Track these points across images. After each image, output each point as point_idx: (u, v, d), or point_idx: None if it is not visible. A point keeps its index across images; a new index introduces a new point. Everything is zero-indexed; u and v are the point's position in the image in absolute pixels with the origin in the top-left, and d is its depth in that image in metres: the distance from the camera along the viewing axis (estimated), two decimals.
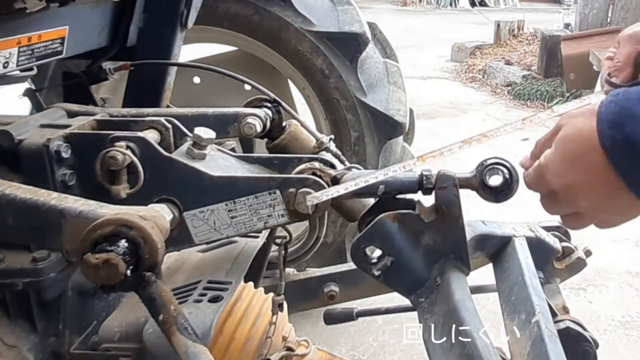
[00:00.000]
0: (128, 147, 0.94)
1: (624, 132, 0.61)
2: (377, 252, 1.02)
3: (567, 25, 8.49)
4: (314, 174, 0.97)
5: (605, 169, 0.64)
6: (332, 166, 1.04)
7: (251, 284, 1.28)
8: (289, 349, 1.17)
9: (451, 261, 1.01)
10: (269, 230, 1.29)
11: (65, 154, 0.95)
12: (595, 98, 0.75)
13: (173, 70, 1.67)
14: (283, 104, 1.33)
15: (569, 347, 1.00)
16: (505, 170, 0.90)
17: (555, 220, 1.42)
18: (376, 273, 1.01)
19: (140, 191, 0.93)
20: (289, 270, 1.53)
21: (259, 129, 1.21)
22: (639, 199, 0.64)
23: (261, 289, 1.30)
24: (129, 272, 0.69)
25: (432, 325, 0.99)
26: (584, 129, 0.66)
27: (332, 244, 2.32)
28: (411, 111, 2.41)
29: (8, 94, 1.66)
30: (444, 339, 0.95)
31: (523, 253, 1.16)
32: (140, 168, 0.92)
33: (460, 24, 11.91)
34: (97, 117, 1.10)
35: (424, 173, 0.95)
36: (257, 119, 1.22)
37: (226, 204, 0.94)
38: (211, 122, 1.17)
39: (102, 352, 0.99)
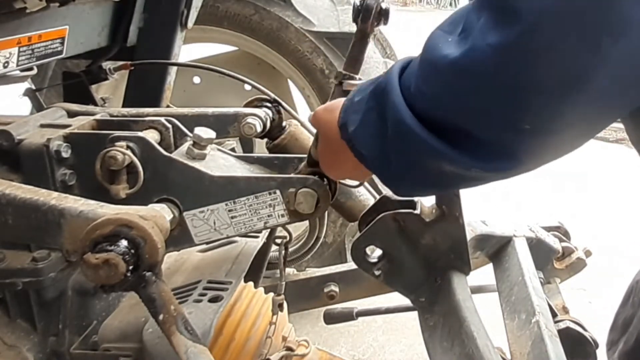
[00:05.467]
0: (128, 147, 0.93)
1: (346, 116, 0.76)
2: (378, 252, 1.02)
3: None
4: (313, 173, 0.97)
5: (339, 141, 0.77)
6: None
7: (251, 284, 1.28)
8: (289, 349, 1.17)
9: (451, 261, 1.01)
10: (269, 230, 1.29)
11: (65, 153, 0.95)
12: None
13: (173, 70, 1.67)
14: (283, 104, 1.33)
15: (569, 347, 1.00)
16: None
17: (555, 220, 1.43)
18: (376, 273, 1.02)
19: (140, 191, 0.93)
20: (289, 270, 1.53)
21: (259, 129, 1.21)
22: (366, 167, 0.76)
23: (261, 289, 1.30)
24: (129, 272, 0.69)
25: (432, 325, 0.99)
26: (333, 114, 0.79)
27: (332, 244, 2.32)
28: None
29: (8, 94, 1.66)
30: (444, 338, 0.95)
31: (523, 253, 1.16)
32: (140, 168, 0.92)
33: None
34: (97, 117, 1.10)
35: None
36: (257, 119, 1.22)
37: (226, 204, 0.94)
38: (211, 122, 1.17)
39: (102, 352, 0.99)
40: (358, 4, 0.91)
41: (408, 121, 0.65)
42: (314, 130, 0.92)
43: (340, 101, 0.80)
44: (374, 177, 0.85)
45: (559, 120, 0.58)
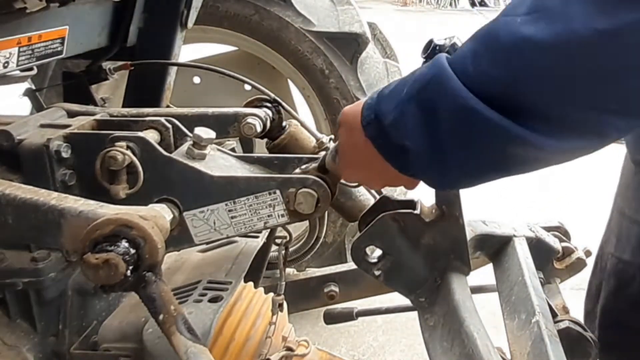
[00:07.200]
0: (128, 147, 0.93)
1: (375, 111, 0.74)
2: (378, 252, 1.02)
3: None
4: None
5: (364, 140, 0.76)
6: None
7: (251, 284, 1.28)
8: (289, 349, 1.17)
9: (451, 261, 1.01)
10: (269, 230, 1.29)
11: (65, 154, 0.95)
12: None
13: (173, 70, 1.67)
14: (283, 104, 1.33)
15: (569, 347, 1.00)
16: None
17: (555, 220, 1.43)
18: (376, 273, 1.02)
19: (140, 191, 0.93)
20: (289, 270, 1.53)
21: (259, 129, 1.21)
22: (392, 165, 0.75)
23: (261, 289, 1.30)
24: (129, 272, 0.69)
25: (432, 325, 0.99)
26: (356, 111, 0.78)
27: (332, 244, 2.32)
28: None
29: (8, 94, 1.67)
30: (444, 338, 0.95)
31: (523, 253, 1.16)
32: (140, 168, 0.92)
33: (461, 24, 11.91)
34: (97, 117, 1.10)
35: None
36: (257, 119, 1.22)
37: (226, 204, 0.94)
38: (211, 122, 1.17)
39: (102, 352, 0.99)
40: (433, 43, 0.93)
41: (471, 103, 0.63)
42: (314, 131, 0.92)
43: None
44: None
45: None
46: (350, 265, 1.50)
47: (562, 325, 1.14)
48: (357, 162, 0.83)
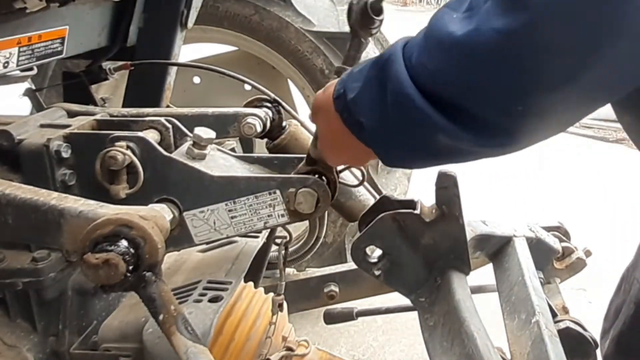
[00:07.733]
0: (128, 147, 0.94)
1: (344, 85, 0.76)
2: (378, 252, 1.02)
3: None
4: (312, 172, 0.97)
5: (335, 116, 0.78)
6: None
7: (251, 284, 1.28)
8: (289, 349, 1.17)
9: (451, 261, 1.01)
10: (269, 230, 1.29)
11: (65, 154, 0.95)
12: None
13: (173, 70, 1.67)
14: (283, 104, 1.33)
15: (569, 347, 1.00)
16: None
17: (555, 220, 1.43)
18: (376, 273, 1.01)
19: (140, 191, 0.93)
20: (289, 270, 1.53)
21: (259, 129, 1.21)
22: (358, 139, 0.76)
23: (261, 289, 1.30)
24: (129, 272, 0.69)
25: (432, 325, 0.99)
26: (329, 92, 0.80)
27: (332, 244, 2.32)
28: None
29: (8, 94, 1.67)
30: (444, 338, 0.95)
31: (523, 253, 1.16)
32: (140, 168, 0.92)
33: None
34: (97, 117, 1.10)
35: None
36: (257, 119, 1.22)
37: (226, 204, 0.94)
38: (211, 122, 1.17)
39: (102, 352, 0.99)
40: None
41: (408, 90, 0.66)
42: (314, 130, 0.91)
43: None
44: (373, 178, 0.85)
45: (549, 107, 0.61)
46: (350, 265, 1.50)
47: (562, 325, 1.14)
48: (334, 141, 0.84)
